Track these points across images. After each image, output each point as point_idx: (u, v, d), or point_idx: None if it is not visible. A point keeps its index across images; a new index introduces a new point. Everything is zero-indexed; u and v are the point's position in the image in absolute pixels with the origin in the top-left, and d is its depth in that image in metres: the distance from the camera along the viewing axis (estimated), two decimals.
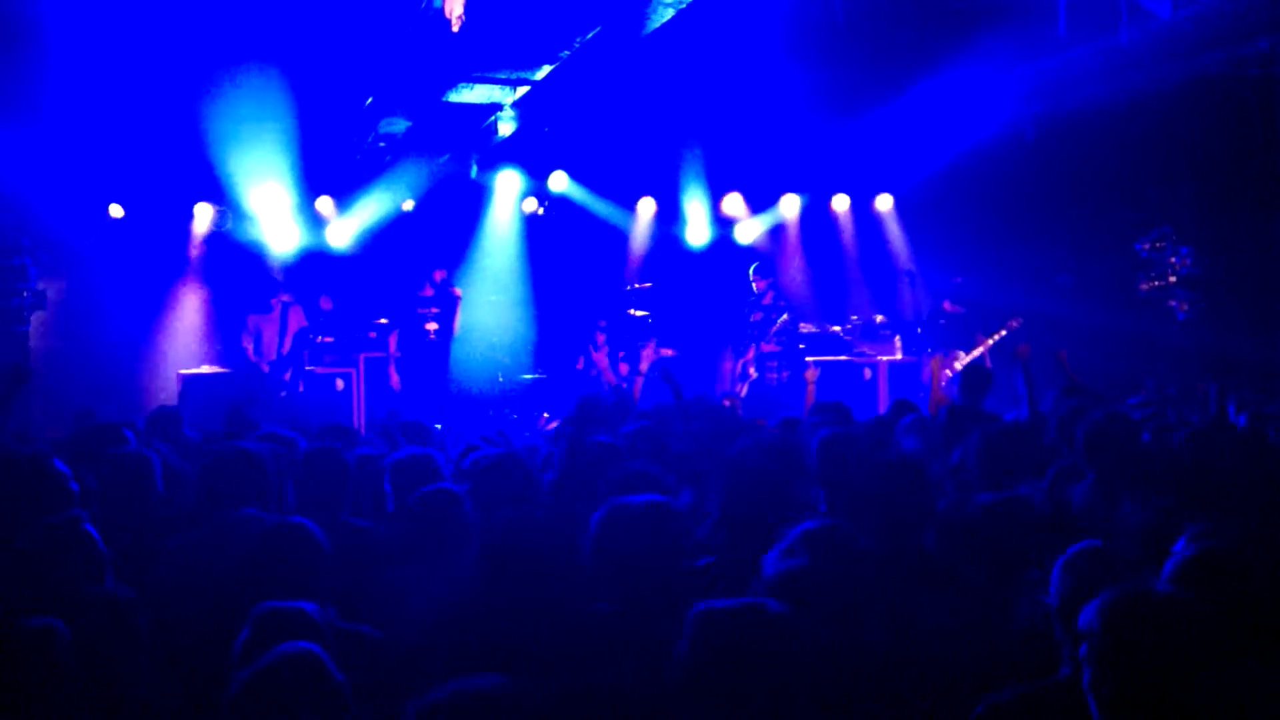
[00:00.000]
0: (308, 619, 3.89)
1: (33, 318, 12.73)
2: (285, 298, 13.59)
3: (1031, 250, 13.95)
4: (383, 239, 15.64)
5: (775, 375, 14.22)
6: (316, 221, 15.26)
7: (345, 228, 15.54)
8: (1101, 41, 11.66)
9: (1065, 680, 3.57)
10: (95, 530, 4.91)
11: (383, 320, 14.22)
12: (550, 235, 16.48)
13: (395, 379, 13.92)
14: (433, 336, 13.88)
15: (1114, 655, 3.18)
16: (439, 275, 14.30)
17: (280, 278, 13.74)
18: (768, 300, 14.70)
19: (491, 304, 16.14)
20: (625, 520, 4.22)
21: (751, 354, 14.53)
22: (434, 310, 13.93)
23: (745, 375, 14.46)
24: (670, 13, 9.38)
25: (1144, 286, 12.23)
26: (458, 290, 14.28)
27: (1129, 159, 13.26)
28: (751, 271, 14.83)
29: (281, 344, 13.34)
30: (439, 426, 12.53)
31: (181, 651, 4.72)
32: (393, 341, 13.99)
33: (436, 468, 6.02)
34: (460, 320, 14.32)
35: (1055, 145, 13.72)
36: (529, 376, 15.72)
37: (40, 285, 12.81)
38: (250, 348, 13.49)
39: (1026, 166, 14.15)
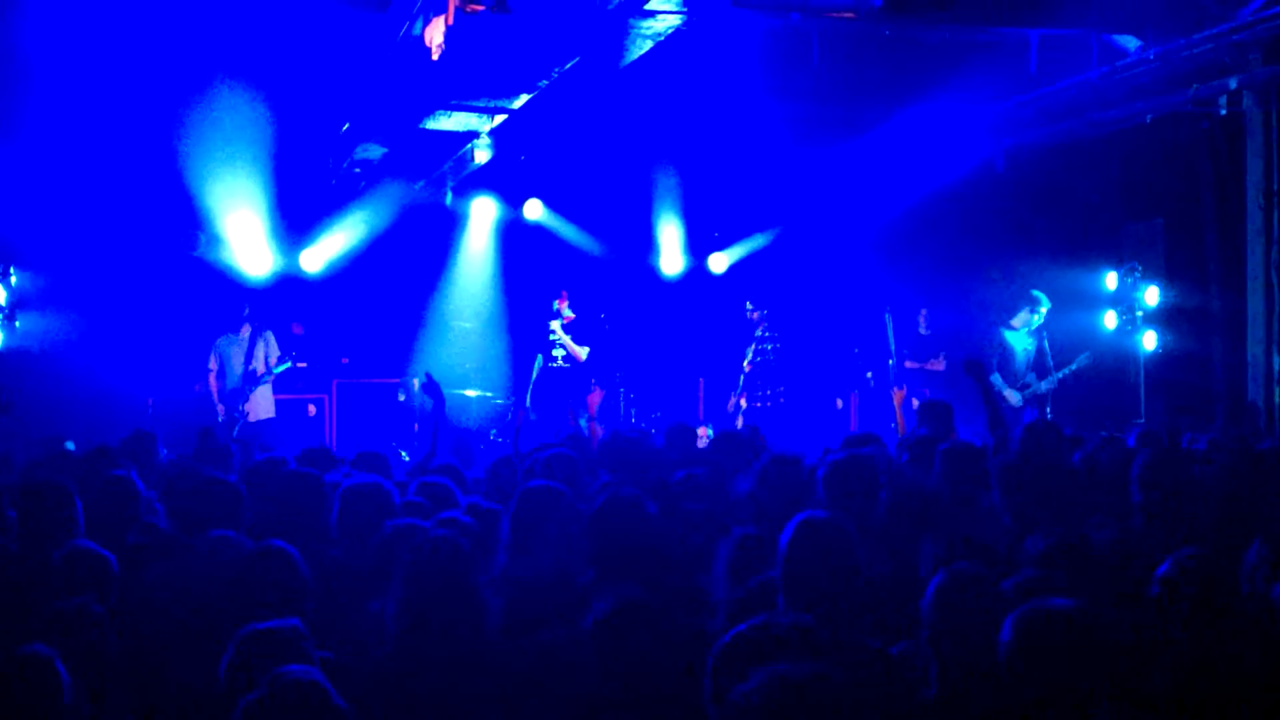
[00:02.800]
0: (295, 641, 3.91)
1: (1, 339, 12.65)
2: (246, 329, 13.42)
3: (1013, 279, 14.05)
4: (356, 265, 15.62)
5: (762, 404, 14.22)
6: (290, 246, 15.23)
7: (318, 253, 15.52)
8: (1072, 78, 11.83)
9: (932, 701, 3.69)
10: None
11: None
12: (523, 262, 16.50)
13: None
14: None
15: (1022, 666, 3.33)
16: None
17: (248, 303, 13.58)
18: (760, 329, 14.71)
19: (465, 331, 16.15)
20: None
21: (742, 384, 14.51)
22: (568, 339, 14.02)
23: (738, 406, 14.44)
24: (648, 45, 9.44)
25: (1112, 320, 12.33)
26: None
27: (1099, 194, 13.42)
28: (748, 304, 14.81)
29: (247, 368, 13.17)
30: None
31: (161, 674, 4.73)
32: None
33: (390, 499, 5.99)
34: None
35: (1025, 178, 13.87)
36: (500, 401, 15.69)
37: (9, 308, 12.73)
38: (214, 372, 13.34)
39: (996, 199, 14.30)
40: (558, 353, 14.22)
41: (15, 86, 11.59)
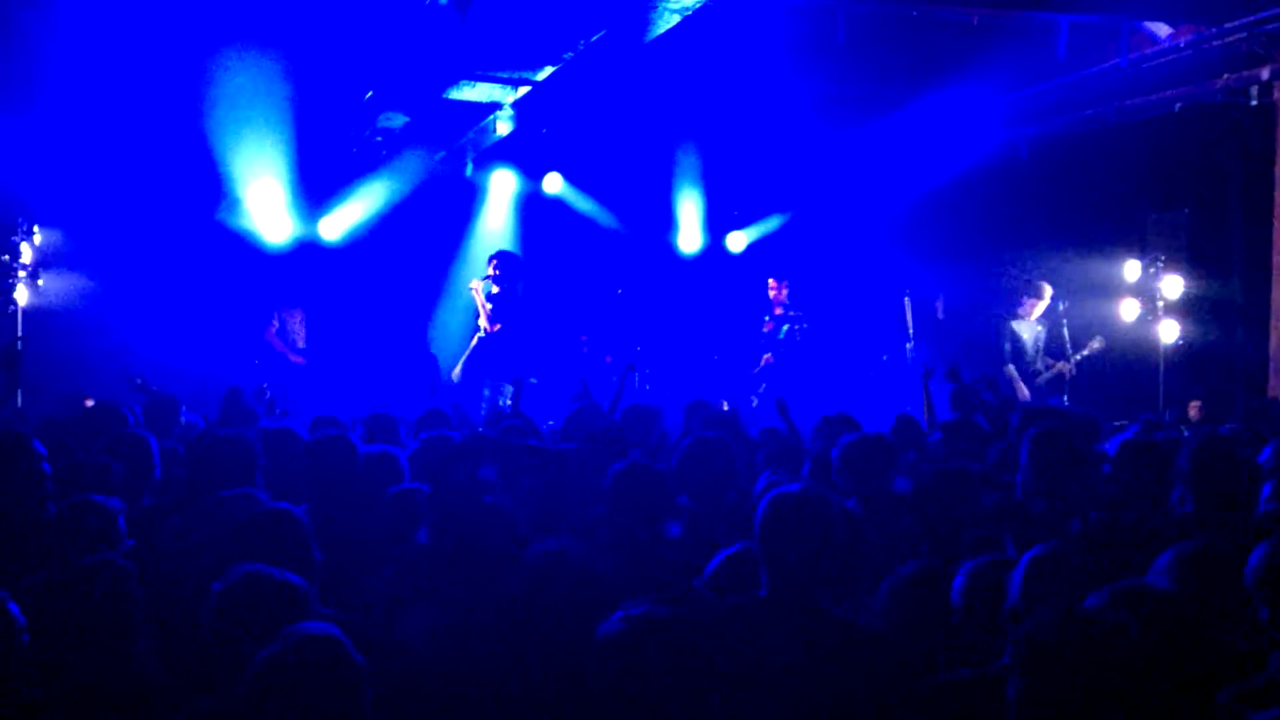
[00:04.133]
0: (293, 586, 3.89)
1: (25, 299, 12.67)
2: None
3: (1020, 269, 13.98)
4: (375, 234, 15.60)
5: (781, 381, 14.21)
6: (309, 214, 15.22)
7: (338, 221, 15.50)
8: (1101, 65, 11.75)
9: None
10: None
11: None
12: (541, 236, 16.46)
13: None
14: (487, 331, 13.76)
15: (1032, 670, 3.24)
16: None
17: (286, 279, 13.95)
18: (779, 308, 14.63)
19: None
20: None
21: (765, 362, 14.47)
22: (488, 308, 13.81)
23: (758, 383, 14.40)
24: (675, 19, 9.39)
25: (1133, 310, 12.26)
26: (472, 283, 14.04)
27: (1123, 182, 13.33)
28: (771, 281, 14.73)
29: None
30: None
31: (172, 630, 4.73)
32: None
33: (399, 467, 6.00)
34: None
35: (1050, 165, 13.79)
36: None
37: (33, 267, 12.75)
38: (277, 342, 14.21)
39: (1019, 185, 14.21)
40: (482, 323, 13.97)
41: (40, 52, 11.57)
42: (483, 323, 13.76)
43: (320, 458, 5.81)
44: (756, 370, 14.66)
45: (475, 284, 13.87)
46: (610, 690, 3.43)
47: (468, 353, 13.79)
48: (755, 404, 14.13)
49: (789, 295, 14.78)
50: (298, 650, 3.26)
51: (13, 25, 11.14)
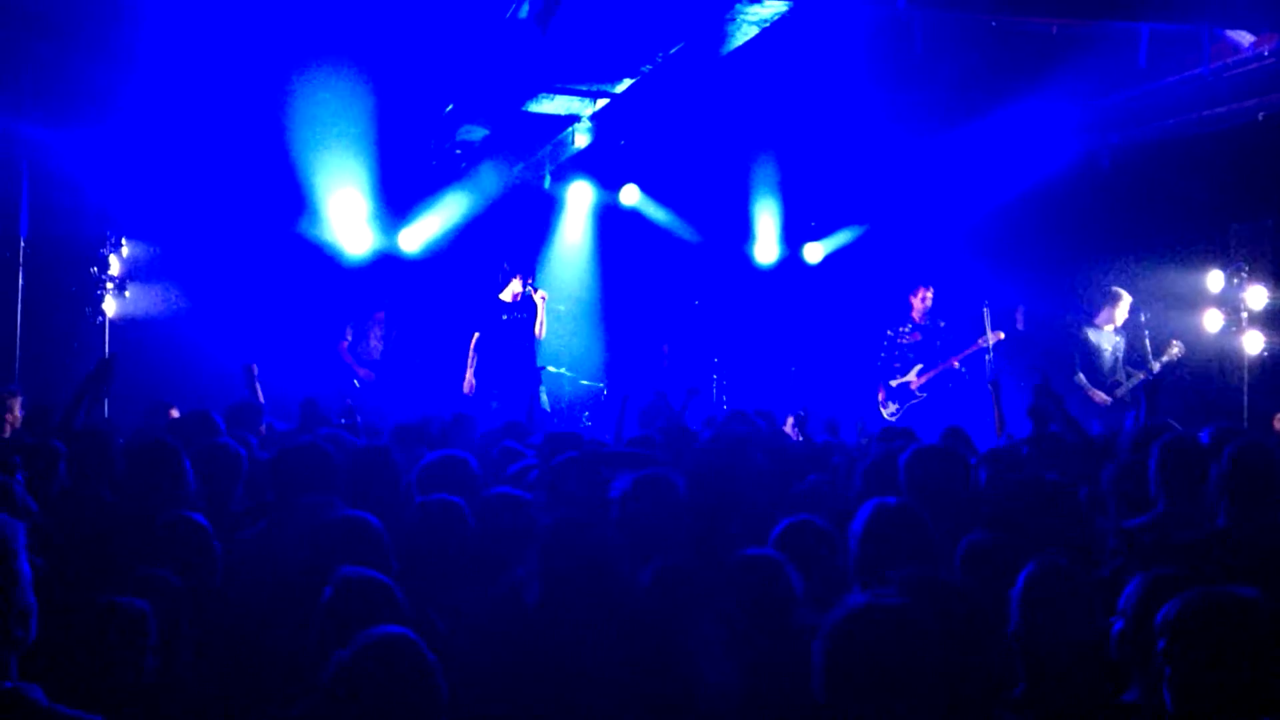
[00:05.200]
0: (388, 592, 3.98)
1: (113, 310, 12.97)
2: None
3: (1101, 279, 13.85)
4: (454, 245, 15.75)
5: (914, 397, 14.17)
6: (389, 226, 15.40)
7: (417, 233, 15.67)
8: (1182, 74, 11.62)
9: (1133, 703, 3.60)
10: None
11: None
12: (619, 248, 16.54)
13: (470, 383, 13.87)
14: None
15: (1190, 653, 3.24)
16: (525, 280, 14.09)
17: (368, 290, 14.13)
18: (921, 316, 14.51)
19: (559, 314, 16.22)
20: None
21: (918, 375, 14.33)
22: (518, 315, 13.91)
23: (904, 395, 14.29)
24: (754, 30, 9.44)
25: (1216, 321, 12.12)
26: (541, 294, 14.07)
27: (1205, 192, 13.17)
28: (919, 290, 14.60)
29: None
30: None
31: (251, 636, 4.82)
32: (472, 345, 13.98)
33: (471, 472, 6.05)
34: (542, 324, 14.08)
35: (1131, 174, 13.65)
36: (587, 383, 15.74)
37: (120, 278, 13.04)
38: (347, 356, 14.37)
39: (1100, 194, 14.07)
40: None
41: (130, 70, 11.85)
42: (540, 331, 13.89)
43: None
44: (901, 383, 14.42)
45: (543, 294, 13.98)
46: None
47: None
48: (892, 414, 14.06)
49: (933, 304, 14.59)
50: (373, 651, 3.33)
51: (105, 42, 11.39)
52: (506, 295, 13.96)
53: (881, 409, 14.26)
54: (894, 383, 14.35)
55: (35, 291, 13.00)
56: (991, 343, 13.63)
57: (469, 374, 13.82)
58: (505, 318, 13.88)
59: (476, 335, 13.87)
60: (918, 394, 14.20)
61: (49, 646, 3.52)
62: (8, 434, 8.95)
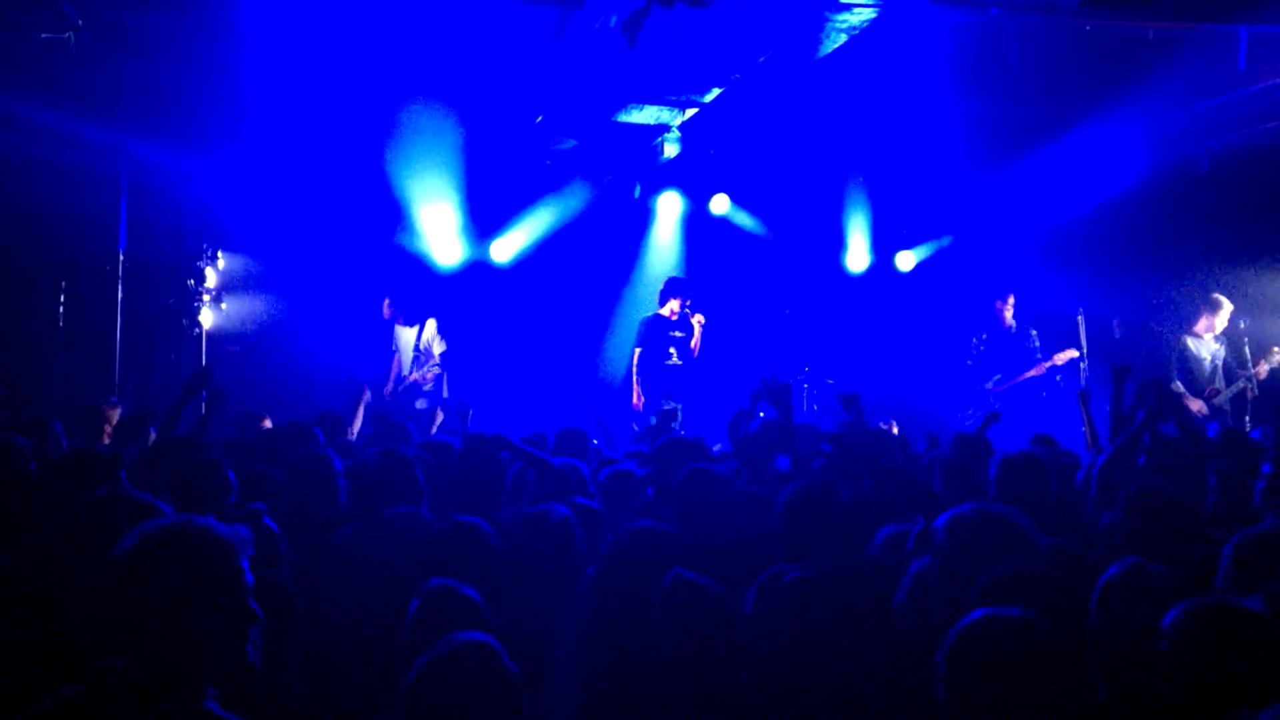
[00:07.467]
0: (474, 605, 4.01)
1: (209, 322, 13.21)
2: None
3: (1200, 285, 13.60)
4: (544, 255, 15.83)
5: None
6: (481, 237, 15.50)
7: (508, 244, 15.78)
8: None
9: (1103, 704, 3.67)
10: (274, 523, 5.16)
11: None
12: (709, 257, 16.51)
13: (639, 398, 13.85)
14: (674, 360, 13.85)
15: (1186, 661, 3.30)
16: (684, 302, 13.92)
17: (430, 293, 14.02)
18: (1009, 321, 14.37)
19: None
20: None
21: (995, 385, 14.18)
22: (677, 334, 13.90)
23: (983, 401, 14.13)
24: (843, 38, 9.42)
25: None
26: (699, 318, 13.90)
27: None
28: (1008, 299, 14.46)
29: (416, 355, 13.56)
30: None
31: (348, 638, 4.88)
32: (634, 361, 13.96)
33: (582, 478, 6.11)
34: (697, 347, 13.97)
35: (1230, 179, 13.39)
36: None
37: (217, 290, 13.28)
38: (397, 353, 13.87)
39: (1199, 199, 13.82)
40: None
41: (236, 96, 12.09)
42: (695, 344, 13.91)
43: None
44: (990, 386, 14.26)
45: (701, 318, 13.98)
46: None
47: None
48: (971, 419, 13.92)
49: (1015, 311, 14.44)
50: (454, 658, 3.37)
51: (206, 62, 11.59)
52: (665, 311, 13.96)
53: (966, 415, 14.09)
54: (989, 385, 14.17)
55: (133, 304, 13.24)
56: (1064, 360, 13.49)
57: (636, 389, 13.82)
58: (671, 334, 13.88)
59: (639, 351, 13.88)
60: (993, 401, 14.02)
61: None
62: (106, 444, 9.13)
